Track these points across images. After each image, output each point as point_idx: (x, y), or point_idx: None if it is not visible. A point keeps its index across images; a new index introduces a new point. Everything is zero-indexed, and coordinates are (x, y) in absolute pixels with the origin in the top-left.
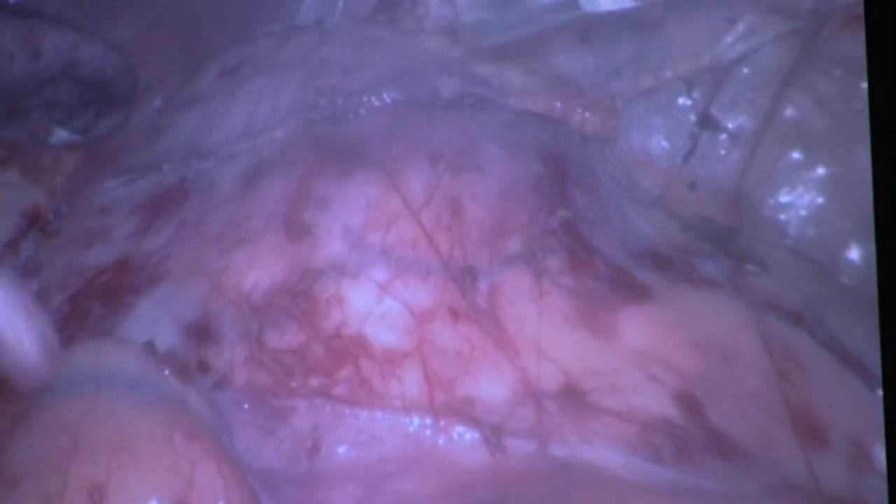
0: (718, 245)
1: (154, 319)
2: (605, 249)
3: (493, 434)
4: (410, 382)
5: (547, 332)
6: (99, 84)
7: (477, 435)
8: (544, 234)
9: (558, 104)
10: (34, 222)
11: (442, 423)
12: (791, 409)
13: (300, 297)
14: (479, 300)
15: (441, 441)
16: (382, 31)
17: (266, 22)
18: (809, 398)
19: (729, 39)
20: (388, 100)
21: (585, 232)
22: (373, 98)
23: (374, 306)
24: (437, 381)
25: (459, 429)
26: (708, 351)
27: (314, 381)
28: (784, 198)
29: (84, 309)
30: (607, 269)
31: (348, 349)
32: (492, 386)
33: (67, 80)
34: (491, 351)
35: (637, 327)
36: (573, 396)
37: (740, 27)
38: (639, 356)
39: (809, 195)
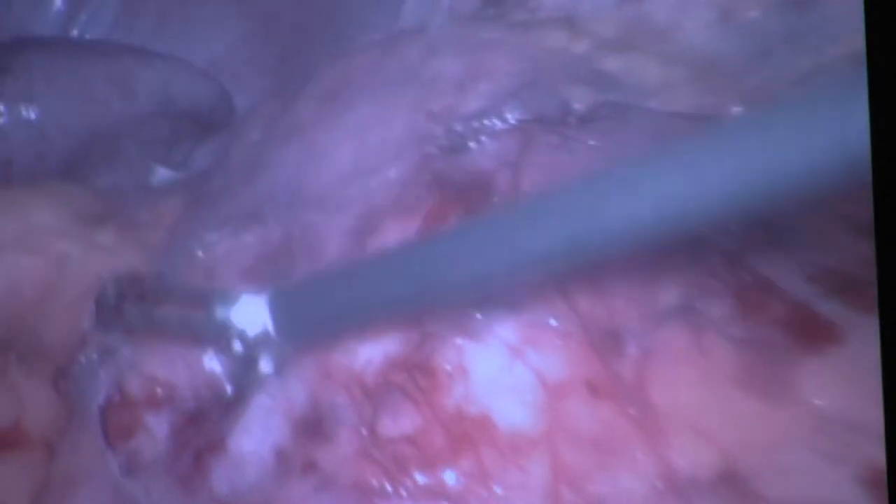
0: None
1: (267, 413)
2: (781, 281)
3: None
4: (535, 476)
5: (706, 401)
6: (195, 115)
7: None
8: (704, 274)
9: (708, 99)
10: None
11: None
12: None
13: (417, 370)
14: (625, 370)
15: None
16: (494, 32)
17: (364, 29)
18: None
19: None
20: (512, 120)
21: (755, 263)
22: (495, 120)
23: (502, 375)
24: (565, 476)
25: None
26: None
27: (428, 477)
28: None
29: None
30: (785, 308)
31: (469, 434)
32: (630, 482)
33: (163, 116)
34: (634, 436)
35: (821, 383)
36: (730, 485)
37: None
38: (821, 423)
39: None
